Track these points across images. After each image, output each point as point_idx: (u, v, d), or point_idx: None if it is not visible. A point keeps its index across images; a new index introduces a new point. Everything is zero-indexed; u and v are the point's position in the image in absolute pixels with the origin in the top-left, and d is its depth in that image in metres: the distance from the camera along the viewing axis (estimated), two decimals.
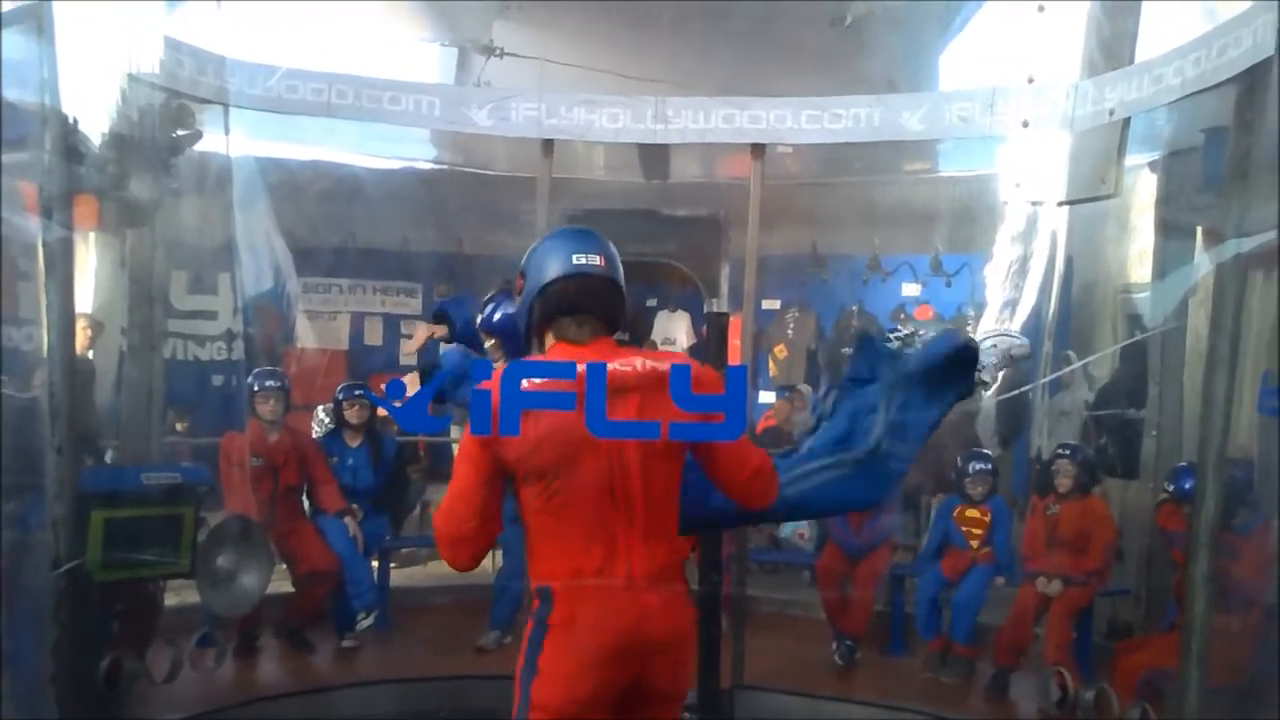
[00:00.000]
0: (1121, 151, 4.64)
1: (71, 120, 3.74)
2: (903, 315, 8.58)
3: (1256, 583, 4.01)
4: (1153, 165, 5.40)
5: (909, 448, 3.07)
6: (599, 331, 2.53)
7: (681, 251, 4.93)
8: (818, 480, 3.02)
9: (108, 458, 4.77)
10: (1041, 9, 5.00)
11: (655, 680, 2.43)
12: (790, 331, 8.80)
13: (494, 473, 2.39)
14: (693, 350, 8.78)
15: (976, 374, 3.11)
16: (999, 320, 5.35)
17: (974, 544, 5.66)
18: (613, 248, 2.62)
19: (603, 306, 2.53)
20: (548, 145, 5.00)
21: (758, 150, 5.08)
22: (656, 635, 2.40)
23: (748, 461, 2.53)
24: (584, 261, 2.54)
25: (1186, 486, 4.46)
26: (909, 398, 3.07)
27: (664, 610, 2.42)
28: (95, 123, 3.99)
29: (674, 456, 2.47)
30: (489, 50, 6.66)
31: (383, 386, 2.71)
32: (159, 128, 4.42)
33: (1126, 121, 4.54)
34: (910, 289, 8.52)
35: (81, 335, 4.74)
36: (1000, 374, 3.23)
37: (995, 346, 3.23)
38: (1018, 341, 3.30)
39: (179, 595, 4.94)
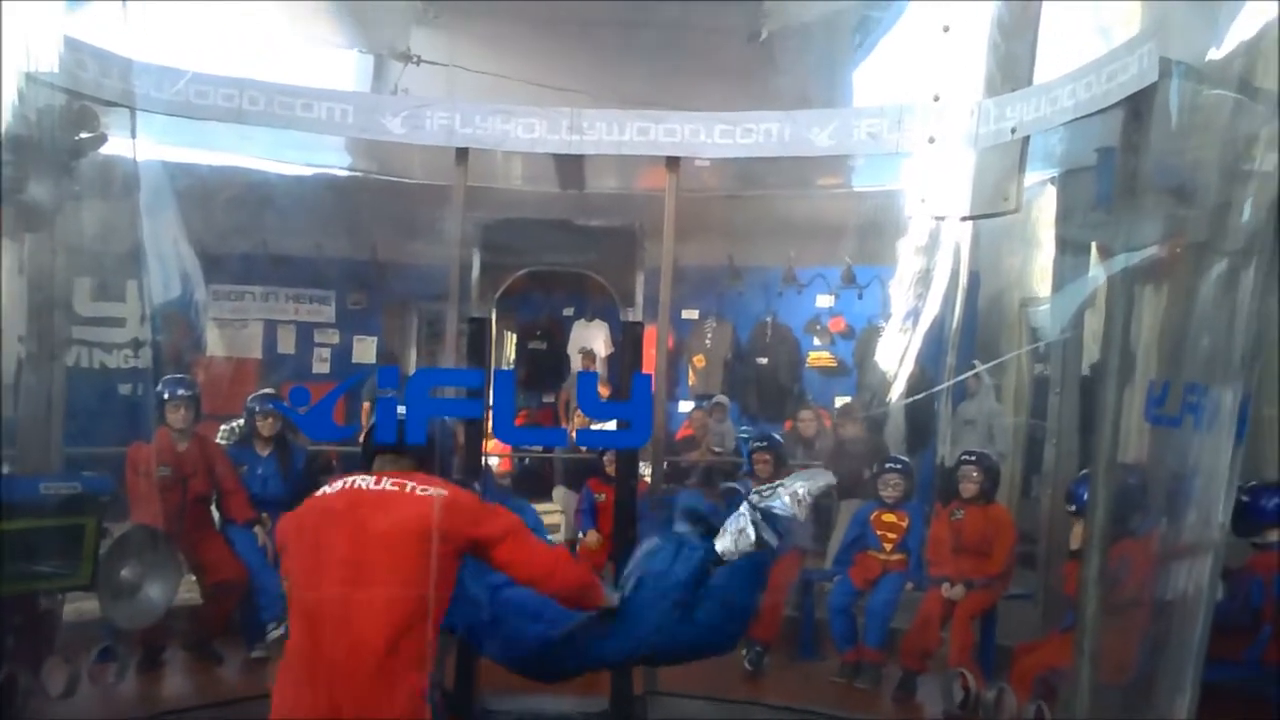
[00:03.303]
0: (1022, 168, 4.81)
1: None
2: (818, 326, 8.75)
3: (1144, 584, 4.17)
4: (1052, 181, 5.59)
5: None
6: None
7: (598, 262, 4.93)
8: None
9: (3, 468, 4.63)
10: (947, 29, 5.14)
11: None
12: (708, 342, 8.91)
13: None
14: (610, 360, 8.84)
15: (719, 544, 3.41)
16: (902, 330, 5.48)
17: (888, 548, 5.77)
18: None
19: None
20: (462, 154, 5.00)
21: (673, 163, 5.15)
22: None
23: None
24: None
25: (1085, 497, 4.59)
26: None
27: None
28: None
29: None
30: (406, 58, 6.63)
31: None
32: (59, 130, 4.32)
33: (1026, 140, 4.71)
34: (824, 300, 8.69)
35: None
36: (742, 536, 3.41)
37: (795, 495, 3.45)
38: (813, 484, 3.51)
39: (77, 608, 4.81)
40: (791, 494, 3.48)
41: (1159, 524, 4.08)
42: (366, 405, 6.30)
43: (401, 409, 2.87)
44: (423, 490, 2.83)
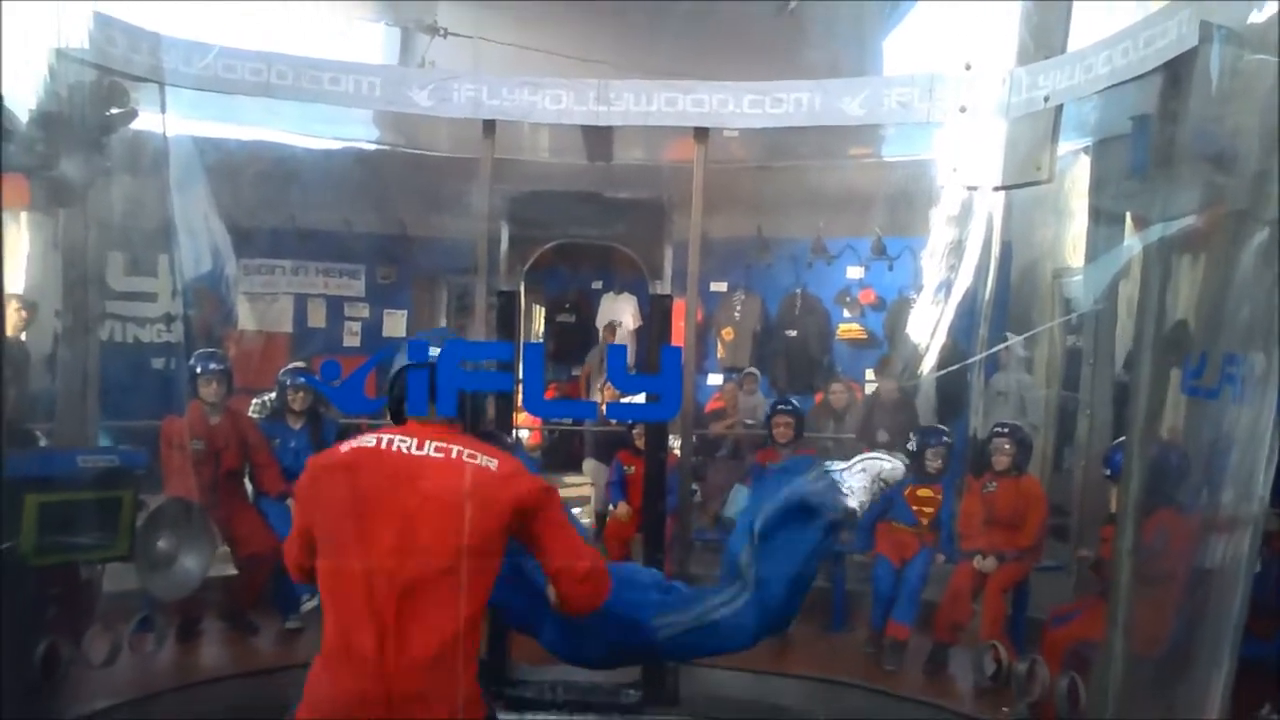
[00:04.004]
0: (1055, 138, 4.74)
1: None
2: (848, 298, 8.70)
3: (1181, 556, 4.12)
4: (1086, 151, 5.51)
5: (783, 588, 3.19)
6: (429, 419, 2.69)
7: (626, 234, 4.92)
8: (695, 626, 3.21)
9: (42, 441, 4.70)
10: None
11: None
12: (737, 314, 8.88)
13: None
14: (638, 333, 8.85)
15: (845, 502, 3.25)
16: (934, 302, 5.43)
17: (924, 522, 5.73)
18: None
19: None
20: (489, 126, 4.99)
21: (701, 134, 5.11)
22: None
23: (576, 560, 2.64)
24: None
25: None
26: (777, 536, 3.20)
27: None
28: (22, 100, 3.91)
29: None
30: (433, 31, 6.63)
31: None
32: (90, 105, 4.34)
33: (1059, 108, 4.64)
34: (854, 272, 8.64)
35: (16, 317, 4.66)
36: (872, 496, 3.32)
37: (864, 470, 3.32)
38: (888, 465, 3.36)
39: (118, 579, 4.89)
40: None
41: (1197, 497, 4.03)
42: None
43: (435, 350, 2.64)
44: (471, 457, 2.56)
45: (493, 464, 2.57)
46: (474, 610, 2.52)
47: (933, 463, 5.70)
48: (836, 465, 3.36)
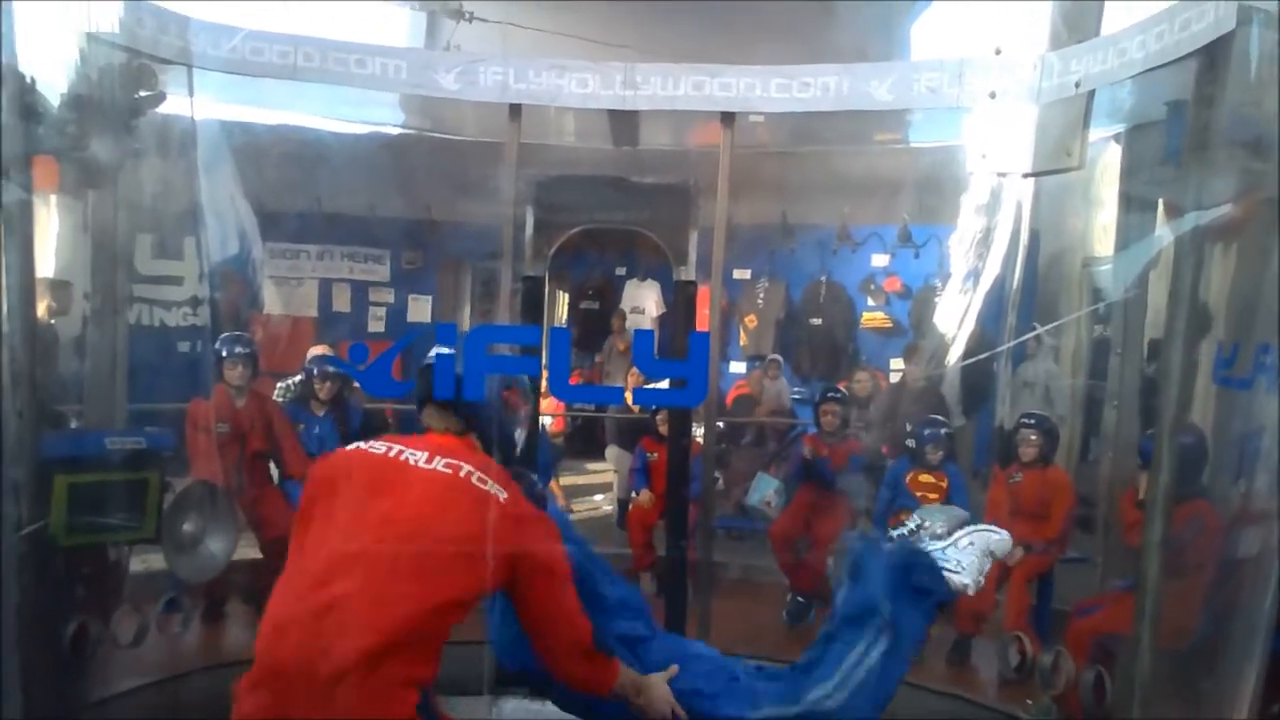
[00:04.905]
0: (1086, 124, 4.67)
1: (29, 80, 3.69)
2: (872, 285, 8.65)
3: (1212, 548, 4.09)
4: (1117, 138, 5.44)
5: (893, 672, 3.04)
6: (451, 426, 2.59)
7: (651, 219, 4.91)
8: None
9: (72, 423, 4.74)
10: None
11: None
12: (760, 301, 8.86)
13: None
14: (662, 319, 8.83)
15: (955, 580, 3.08)
16: (961, 291, 5.39)
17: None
18: None
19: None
20: (515, 110, 4.97)
21: (728, 118, 5.08)
22: None
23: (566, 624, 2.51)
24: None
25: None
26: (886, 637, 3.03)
27: None
28: (53, 82, 3.93)
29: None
30: (458, 14, 6.61)
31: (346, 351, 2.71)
32: (119, 88, 4.35)
33: (1091, 94, 4.58)
34: (879, 259, 8.59)
35: (53, 301, 4.69)
36: (982, 572, 3.11)
37: (973, 544, 3.14)
38: (995, 537, 3.18)
39: (145, 561, 4.93)
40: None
41: (1229, 488, 3.99)
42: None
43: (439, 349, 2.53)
44: (480, 481, 2.42)
45: (503, 495, 2.43)
46: (431, 640, 2.37)
47: (932, 455, 5.76)
48: (940, 543, 3.19)
